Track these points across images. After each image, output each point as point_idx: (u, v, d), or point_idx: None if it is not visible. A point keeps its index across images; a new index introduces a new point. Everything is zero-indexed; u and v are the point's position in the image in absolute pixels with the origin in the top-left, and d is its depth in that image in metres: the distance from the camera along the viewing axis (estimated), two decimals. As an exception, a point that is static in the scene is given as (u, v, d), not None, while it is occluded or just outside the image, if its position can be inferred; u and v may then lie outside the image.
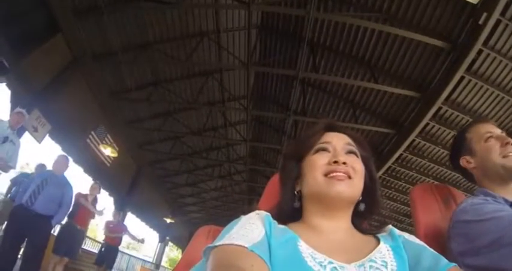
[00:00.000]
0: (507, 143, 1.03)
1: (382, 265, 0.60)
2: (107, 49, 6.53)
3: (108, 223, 7.02)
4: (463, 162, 1.14)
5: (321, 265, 0.58)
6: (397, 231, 0.72)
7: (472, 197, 1.04)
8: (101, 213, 5.45)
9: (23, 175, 5.09)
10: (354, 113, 7.21)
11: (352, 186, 0.69)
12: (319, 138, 0.78)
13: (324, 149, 0.75)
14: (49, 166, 4.53)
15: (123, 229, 7.18)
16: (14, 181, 4.97)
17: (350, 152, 0.75)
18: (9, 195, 4.93)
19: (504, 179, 1.03)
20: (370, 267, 0.59)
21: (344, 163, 0.70)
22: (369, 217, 0.78)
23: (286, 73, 7.22)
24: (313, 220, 0.72)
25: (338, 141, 0.76)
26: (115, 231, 6.93)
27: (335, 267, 0.58)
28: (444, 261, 0.61)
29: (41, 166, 5.25)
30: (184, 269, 0.70)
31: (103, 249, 6.77)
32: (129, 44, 6.76)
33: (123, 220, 9.33)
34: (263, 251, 0.56)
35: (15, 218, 3.65)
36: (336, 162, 0.70)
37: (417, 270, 0.60)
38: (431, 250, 0.65)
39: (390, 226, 0.74)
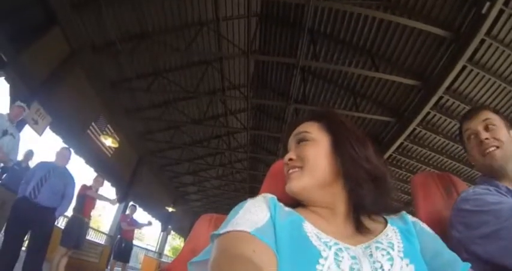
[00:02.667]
0: (481, 141, 1.03)
1: (389, 246, 0.60)
2: (105, 40, 6.48)
3: (125, 218, 7.54)
4: (467, 155, 1.18)
5: (326, 245, 0.57)
6: (410, 217, 0.71)
7: (475, 186, 1.03)
8: (114, 201, 5.61)
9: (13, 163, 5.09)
10: (355, 101, 7.19)
11: (299, 177, 0.70)
12: (286, 143, 0.83)
13: (287, 152, 0.79)
14: (46, 158, 4.51)
15: (136, 223, 7.60)
16: (4, 169, 4.99)
17: (300, 141, 0.76)
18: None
19: (494, 174, 1.03)
20: (377, 248, 0.59)
21: (290, 159, 0.74)
22: (362, 195, 0.67)
23: (286, 61, 7.17)
24: (313, 209, 0.71)
25: (292, 138, 0.80)
26: (132, 224, 7.41)
27: (340, 248, 0.58)
28: (461, 261, 0.60)
29: (29, 153, 5.26)
30: (187, 257, 0.70)
31: (123, 245, 7.00)
32: (128, 34, 6.70)
33: (125, 209, 9.48)
34: (267, 235, 0.56)
35: (19, 210, 3.63)
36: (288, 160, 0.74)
37: (434, 263, 0.60)
38: (446, 247, 0.65)
39: (403, 212, 0.73)
